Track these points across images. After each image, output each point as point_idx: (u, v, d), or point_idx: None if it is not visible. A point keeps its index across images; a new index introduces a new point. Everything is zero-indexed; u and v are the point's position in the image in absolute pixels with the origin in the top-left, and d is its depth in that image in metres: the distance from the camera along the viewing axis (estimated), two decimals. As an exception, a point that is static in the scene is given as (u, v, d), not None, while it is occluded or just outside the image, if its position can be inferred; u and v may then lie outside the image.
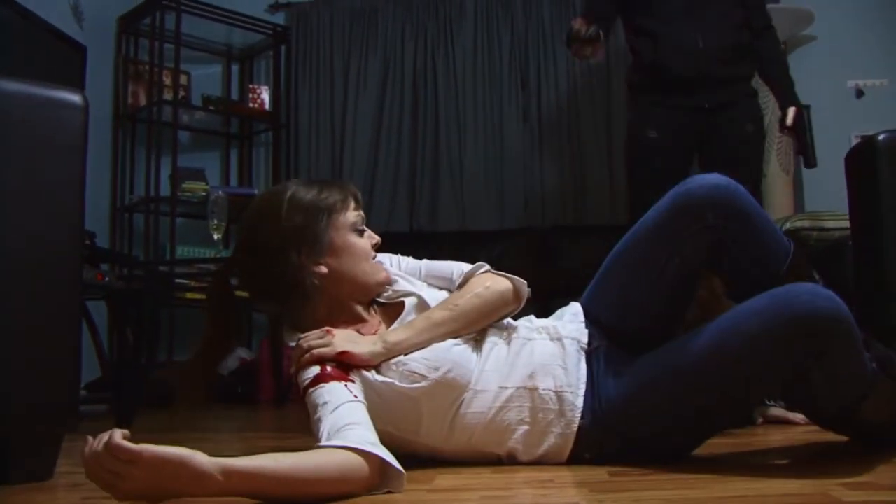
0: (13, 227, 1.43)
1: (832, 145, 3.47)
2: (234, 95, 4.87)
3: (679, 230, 1.48)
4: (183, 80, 4.53)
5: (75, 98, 1.53)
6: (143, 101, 4.48)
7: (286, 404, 3.71)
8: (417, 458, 1.48)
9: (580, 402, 1.49)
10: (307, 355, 1.44)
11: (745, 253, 1.49)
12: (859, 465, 1.36)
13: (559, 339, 1.56)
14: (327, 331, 1.48)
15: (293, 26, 4.82)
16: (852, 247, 2.18)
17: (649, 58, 2.92)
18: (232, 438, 2.36)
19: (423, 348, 1.49)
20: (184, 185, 4.27)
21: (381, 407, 1.41)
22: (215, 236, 3.27)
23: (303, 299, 1.52)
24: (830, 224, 3.20)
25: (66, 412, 1.51)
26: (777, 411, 2.23)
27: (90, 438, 1.01)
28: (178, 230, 4.15)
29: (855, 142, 2.86)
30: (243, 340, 4.48)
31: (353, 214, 1.56)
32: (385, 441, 1.26)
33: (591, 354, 1.55)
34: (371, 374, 1.45)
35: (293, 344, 1.50)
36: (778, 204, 3.77)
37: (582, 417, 1.48)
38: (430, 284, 1.67)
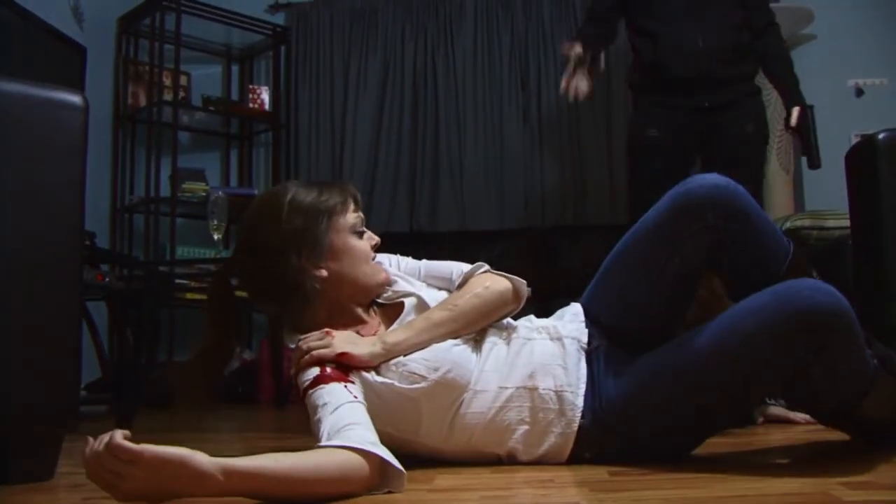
0: (13, 227, 1.43)
1: (832, 144, 3.46)
2: (234, 96, 4.88)
3: (679, 230, 1.49)
4: (183, 80, 4.53)
5: (75, 99, 1.53)
6: (143, 101, 4.48)
7: (286, 405, 3.71)
8: (417, 459, 1.48)
9: (580, 401, 1.49)
10: (307, 357, 1.44)
11: (745, 253, 1.49)
12: (860, 465, 1.35)
13: (559, 339, 1.56)
14: (327, 332, 1.48)
15: (293, 27, 4.82)
16: (852, 246, 2.19)
17: (649, 58, 2.92)
18: (232, 438, 2.36)
19: (422, 349, 1.49)
20: (184, 186, 4.27)
21: (380, 408, 1.41)
22: (215, 237, 3.27)
23: (303, 302, 1.52)
24: (830, 223, 3.20)
25: (66, 413, 1.51)
26: (778, 410, 2.23)
27: (91, 439, 1.01)
28: (178, 230, 4.15)
29: (855, 141, 2.86)
30: (243, 340, 4.48)
31: (352, 216, 1.56)
32: (385, 441, 1.26)
33: (591, 354, 1.55)
34: (370, 375, 1.45)
35: (293, 346, 1.50)
36: (778, 203, 3.77)
37: (582, 417, 1.48)
38: (429, 285, 1.67)
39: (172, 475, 1.00)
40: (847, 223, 2.28)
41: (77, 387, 1.56)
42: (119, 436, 0.99)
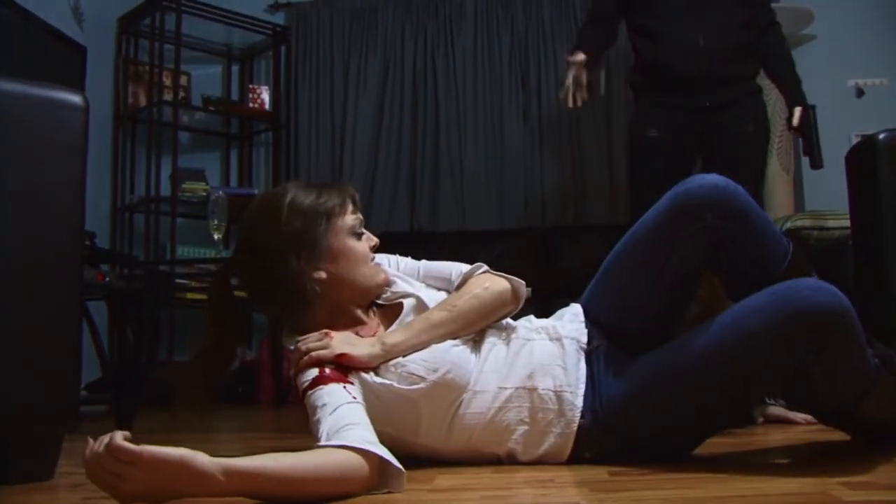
0: (13, 227, 1.43)
1: (832, 144, 3.46)
2: (234, 96, 4.88)
3: (677, 230, 1.49)
4: (183, 80, 4.53)
5: (76, 98, 1.53)
6: (143, 101, 4.48)
7: (286, 405, 3.71)
8: (417, 459, 1.48)
9: (580, 401, 1.49)
10: (306, 358, 1.44)
11: (744, 253, 1.49)
12: (859, 465, 1.35)
13: (558, 339, 1.56)
14: (325, 333, 1.48)
15: (293, 26, 4.82)
16: (852, 246, 2.19)
17: (650, 57, 2.92)
18: (232, 438, 2.36)
19: (421, 349, 1.49)
20: (184, 186, 4.27)
21: (379, 408, 1.41)
22: (215, 236, 3.27)
23: (302, 304, 1.52)
24: (831, 223, 3.20)
25: (66, 413, 1.51)
26: (778, 410, 2.23)
27: (91, 440, 1.01)
28: (179, 230, 4.15)
29: (855, 141, 2.86)
30: (243, 340, 4.48)
31: (351, 218, 1.56)
32: (384, 442, 1.26)
33: (590, 354, 1.55)
34: (369, 376, 1.46)
35: (292, 347, 1.51)
36: (778, 203, 3.77)
37: (582, 417, 1.48)
38: (428, 285, 1.67)
39: (173, 476, 1.00)
40: (847, 223, 2.28)
41: (77, 387, 1.56)
42: (119, 437, 0.99)
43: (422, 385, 1.45)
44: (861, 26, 4.31)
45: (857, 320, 1.29)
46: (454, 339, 1.52)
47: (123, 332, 3.44)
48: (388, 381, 1.45)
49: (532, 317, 1.66)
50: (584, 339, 1.56)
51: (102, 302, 3.36)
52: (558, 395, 1.49)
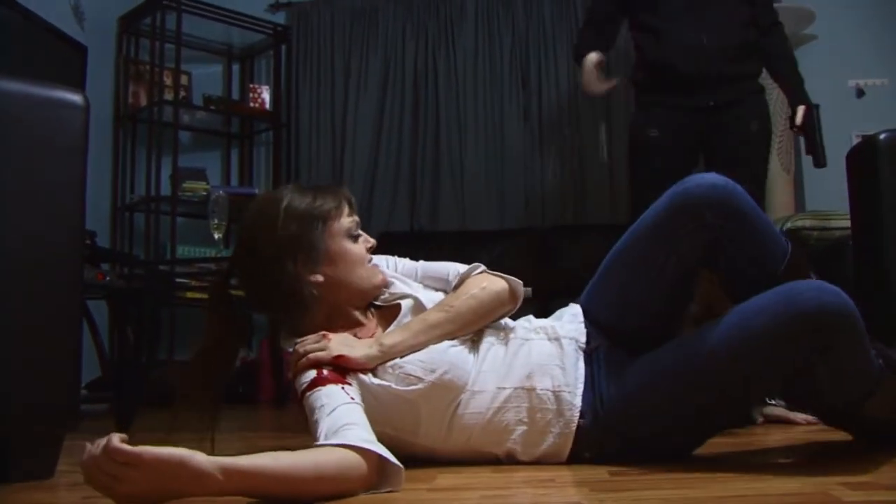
0: (13, 227, 1.43)
1: (833, 145, 3.45)
2: (235, 95, 4.88)
3: (676, 229, 1.48)
4: (183, 79, 4.53)
5: (76, 98, 1.53)
6: (143, 101, 4.48)
7: (286, 404, 3.71)
8: (416, 459, 1.48)
9: (578, 401, 1.49)
10: (304, 360, 1.45)
11: (743, 252, 1.49)
12: (860, 465, 1.35)
13: (557, 339, 1.56)
14: (323, 335, 1.49)
15: (294, 26, 4.82)
16: (853, 246, 2.19)
17: (652, 55, 2.91)
18: (232, 438, 2.35)
19: (419, 350, 1.49)
20: (184, 185, 4.27)
21: (377, 409, 1.41)
22: (216, 236, 3.27)
23: (300, 307, 1.52)
24: (831, 223, 3.20)
25: (66, 413, 1.51)
26: (778, 411, 2.23)
27: (88, 444, 1.01)
28: (179, 230, 4.16)
29: (856, 141, 2.86)
30: (244, 341, 4.48)
31: (347, 220, 1.56)
32: (383, 442, 1.26)
33: (590, 354, 1.55)
34: (367, 377, 1.46)
35: (290, 349, 1.51)
36: (779, 203, 3.77)
37: (582, 417, 1.48)
38: (426, 286, 1.67)
39: (172, 476, 1.00)
40: (848, 223, 2.28)
41: (77, 387, 1.56)
42: (116, 439, 0.99)
43: (420, 386, 1.45)
44: (862, 26, 4.31)
45: (861, 321, 1.29)
46: (452, 339, 1.52)
47: (124, 331, 3.44)
48: (385, 383, 1.45)
49: (531, 317, 1.66)
50: (583, 338, 1.56)
51: (103, 301, 3.36)
52: (557, 396, 1.49)
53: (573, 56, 3.27)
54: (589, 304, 1.63)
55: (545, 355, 1.54)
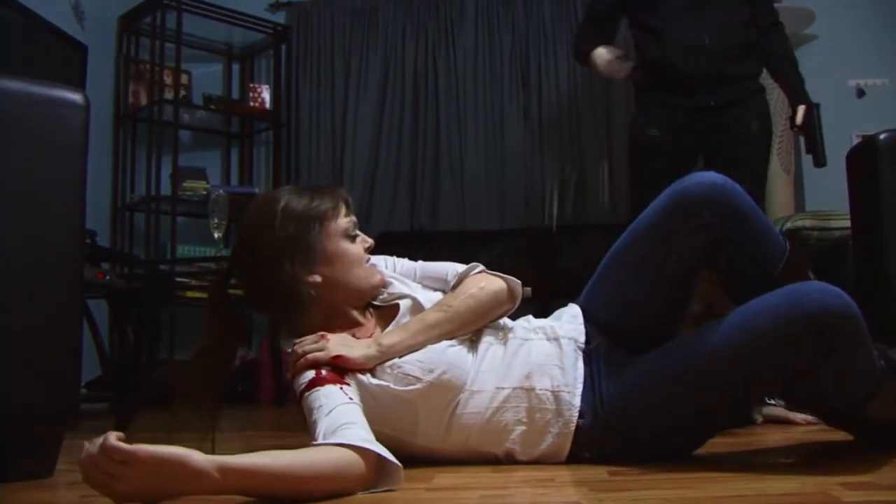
0: (13, 227, 1.43)
1: (833, 145, 3.46)
2: (235, 94, 4.88)
3: (675, 228, 1.48)
4: (184, 79, 4.53)
5: (76, 97, 1.53)
6: (143, 100, 4.48)
7: (286, 404, 3.71)
8: (415, 459, 1.48)
9: (577, 401, 1.49)
10: (302, 360, 1.45)
11: (742, 252, 1.49)
12: (859, 465, 1.36)
13: (556, 339, 1.56)
14: (322, 335, 1.49)
15: (294, 25, 4.82)
16: (853, 246, 2.19)
17: (652, 55, 2.91)
18: (232, 437, 2.35)
19: (417, 350, 1.49)
20: (184, 184, 4.27)
21: (376, 409, 1.41)
22: (216, 235, 3.27)
23: (299, 307, 1.53)
24: (831, 223, 3.20)
25: (66, 412, 1.51)
26: (778, 411, 2.23)
27: (86, 443, 1.01)
28: (179, 229, 4.16)
29: (856, 141, 2.86)
30: (243, 341, 4.48)
31: (344, 221, 1.57)
32: (382, 442, 1.26)
33: (589, 354, 1.55)
34: (366, 378, 1.46)
35: (289, 350, 1.51)
36: (779, 203, 3.77)
37: (581, 417, 1.48)
38: (425, 286, 1.68)
39: (170, 475, 1.00)
40: (848, 223, 2.28)
41: (77, 386, 1.56)
42: (113, 437, 0.99)
43: (418, 386, 1.45)
44: (862, 26, 4.30)
45: (863, 323, 1.29)
46: (450, 339, 1.52)
47: (124, 330, 3.44)
48: (384, 383, 1.45)
49: (531, 317, 1.66)
50: (582, 339, 1.56)
51: (103, 300, 3.36)
52: (556, 395, 1.49)
53: (573, 53, 3.27)
54: (588, 303, 1.63)
55: (544, 355, 1.54)
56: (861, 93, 4.33)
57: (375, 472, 1.23)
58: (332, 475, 1.17)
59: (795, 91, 2.87)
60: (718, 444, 1.64)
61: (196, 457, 1.02)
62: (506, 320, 1.64)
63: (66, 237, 1.50)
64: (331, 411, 1.31)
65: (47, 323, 1.46)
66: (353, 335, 1.55)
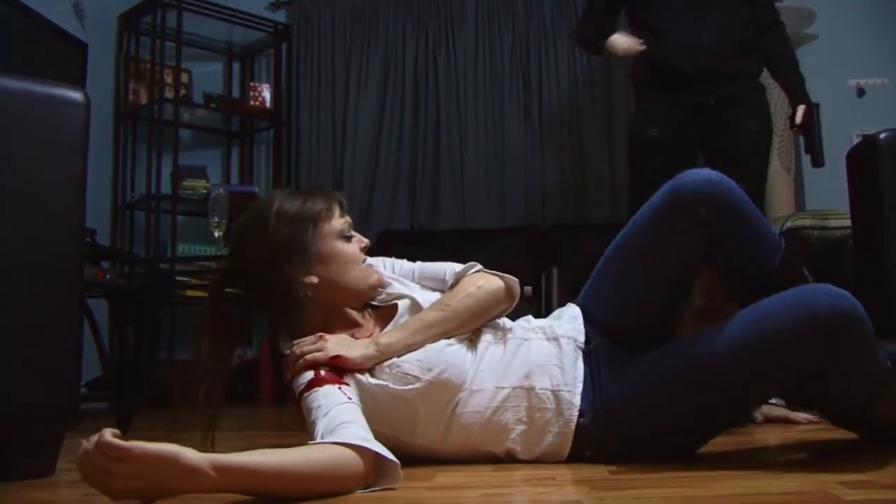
0: (13, 226, 1.43)
1: (833, 144, 3.46)
2: (236, 93, 4.87)
3: (671, 224, 1.48)
4: (184, 77, 4.53)
5: (76, 95, 1.53)
6: (144, 99, 4.47)
7: (286, 403, 3.71)
8: (416, 458, 1.48)
9: (577, 400, 1.49)
10: (301, 361, 1.45)
11: (739, 248, 1.48)
12: (859, 464, 1.36)
13: (555, 339, 1.56)
14: (320, 336, 1.49)
15: (294, 24, 4.82)
16: (853, 245, 2.19)
17: (651, 53, 2.91)
18: (232, 437, 2.36)
19: (416, 349, 1.49)
20: (185, 183, 4.27)
21: (375, 409, 1.41)
22: (216, 234, 3.27)
23: (297, 309, 1.53)
24: (832, 223, 3.20)
25: (66, 412, 1.51)
26: (778, 410, 2.23)
27: (84, 441, 1.01)
28: (179, 228, 4.16)
29: (856, 141, 2.85)
30: (243, 341, 4.48)
31: (338, 222, 1.57)
32: (381, 443, 1.26)
33: (589, 354, 1.55)
34: (365, 377, 1.46)
35: (288, 352, 1.51)
36: (779, 202, 3.76)
37: (581, 416, 1.48)
38: (423, 286, 1.68)
39: (165, 472, 1.00)
40: (848, 223, 2.28)
41: (77, 386, 1.56)
42: (108, 434, 0.99)
43: (417, 385, 1.46)
44: (862, 26, 4.30)
45: (870, 324, 1.29)
46: (449, 338, 1.52)
47: (124, 329, 3.44)
48: (383, 382, 1.46)
49: (530, 317, 1.66)
50: (582, 338, 1.56)
51: (103, 300, 3.36)
52: (556, 395, 1.49)
53: (585, 47, 3.24)
54: (587, 303, 1.63)
55: (544, 355, 1.54)
56: (861, 92, 4.32)
57: (374, 471, 1.23)
58: (329, 473, 1.17)
59: (795, 91, 2.87)
60: (719, 442, 1.64)
61: (190, 454, 1.02)
62: (505, 320, 1.64)
63: (66, 236, 1.50)
64: (329, 411, 1.31)
65: (47, 323, 1.46)
66: (352, 336, 1.55)
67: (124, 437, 1.00)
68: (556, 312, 1.67)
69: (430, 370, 1.46)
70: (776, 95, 3.36)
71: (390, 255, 1.79)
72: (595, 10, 3.10)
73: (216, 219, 3.22)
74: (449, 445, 1.52)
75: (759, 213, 1.52)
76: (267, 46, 4.86)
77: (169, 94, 4.36)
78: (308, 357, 1.45)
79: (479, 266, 1.64)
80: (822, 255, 3.05)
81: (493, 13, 4.67)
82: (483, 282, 1.59)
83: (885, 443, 1.53)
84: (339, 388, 1.39)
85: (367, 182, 4.60)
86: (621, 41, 2.91)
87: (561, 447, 1.50)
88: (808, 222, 3.26)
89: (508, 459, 1.52)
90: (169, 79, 4.40)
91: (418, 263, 1.75)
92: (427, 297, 1.60)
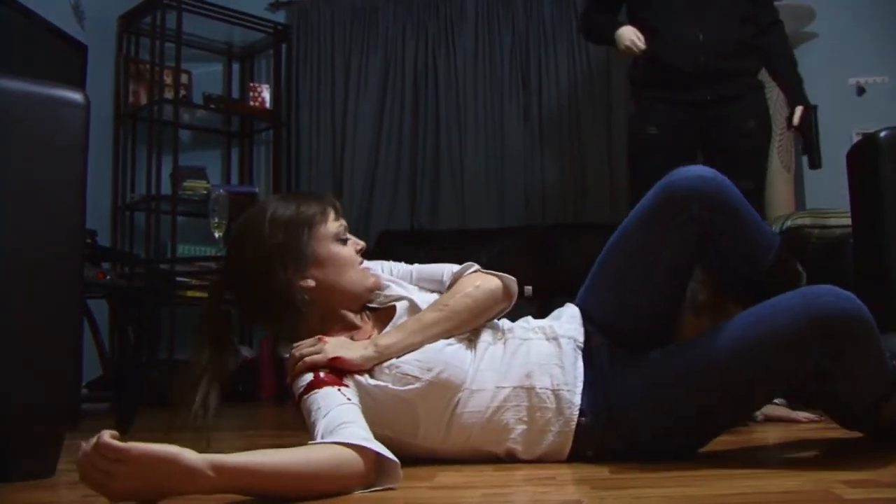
0: (13, 227, 1.43)
1: (833, 143, 3.46)
2: (235, 94, 4.88)
3: (664, 221, 1.48)
4: (184, 78, 4.53)
5: (76, 97, 1.53)
6: (143, 99, 4.47)
7: (286, 403, 3.71)
8: (416, 459, 1.48)
9: (578, 399, 1.49)
10: (300, 363, 1.45)
11: (733, 245, 1.48)
12: (861, 463, 1.36)
13: (555, 339, 1.56)
14: (319, 338, 1.49)
15: (294, 25, 4.82)
16: (853, 244, 2.18)
17: (651, 53, 2.91)
18: (232, 436, 2.36)
19: (415, 350, 1.49)
20: (185, 184, 4.28)
21: (375, 410, 1.41)
22: (216, 235, 3.27)
23: (295, 314, 1.53)
24: (832, 221, 3.19)
25: (67, 412, 1.51)
26: (779, 410, 2.23)
27: (83, 443, 1.01)
28: (179, 228, 4.16)
29: (856, 139, 2.85)
30: (244, 340, 4.49)
31: (333, 225, 1.57)
32: (383, 444, 1.26)
33: (589, 353, 1.55)
34: (364, 379, 1.46)
35: (287, 355, 1.51)
36: (779, 201, 3.76)
37: (581, 416, 1.48)
38: (421, 288, 1.68)
39: (164, 473, 1.00)
40: (848, 221, 2.27)
41: (78, 386, 1.56)
42: (107, 435, 0.99)
43: (416, 385, 1.46)
44: (862, 24, 4.30)
45: (875, 325, 1.28)
46: (447, 338, 1.53)
47: (124, 330, 3.44)
48: (382, 383, 1.46)
49: (530, 318, 1.66)
50: (581, 338, 1.56)
51: (103, 300, 3.36)
52: (556, 394, 1.49)
53: (593, 37, 3.22)
54: (584, 303, 1.63)
55: (544, 355, 1.54)
56: (861, 91, 4.32)
57: (374, 470, 1.23)
58: (329, 473, 1.17)
59: (793, 91, 2.88)
60: (720, 442, 1.63)
61: (189, 455, 1.02)
62: (504, 321, 1.64)
63: (66, 237, 1.50)
64: (329, 412, 1.31)
65: (47, 323, 1.46)
66: (351, 338, 1.55)
67: (125, 437, 1.00)
68: (556, 313, 1.67)
69: (429, 370, 1.46)
70: (776, 94, 3.36)
71: (390, 256, 1.80)
72: (595, 10, 3.11)
73: (216, 219, 3.22)
74: (449, 446, 1.52)
75: (754, 211, 1.52)
76: (267, 47, 4.86)
77: (169, 94, 4.36)
78: (307, 359, 1.45)
79: (476, 266, 1.64)
80: (822, 253, 3.05)
81: (493, 13, 4.68)
82: (481, 281, 1.59)
83: (887, 442, 1.53)
84: (339, 389, 1.39)
85: (366, 182, 4.60)
86: (625, 37, 2.90)
87: (561, 447, 1.49)
88: (808, 221, 3.26)
89: (509, 459, 1.52)
90: (169, 79, 4.40)
91: (416, 265, 1.75)
92: (425, 299, 1.60)
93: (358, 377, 1.46)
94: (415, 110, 4.69)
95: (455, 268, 1.67)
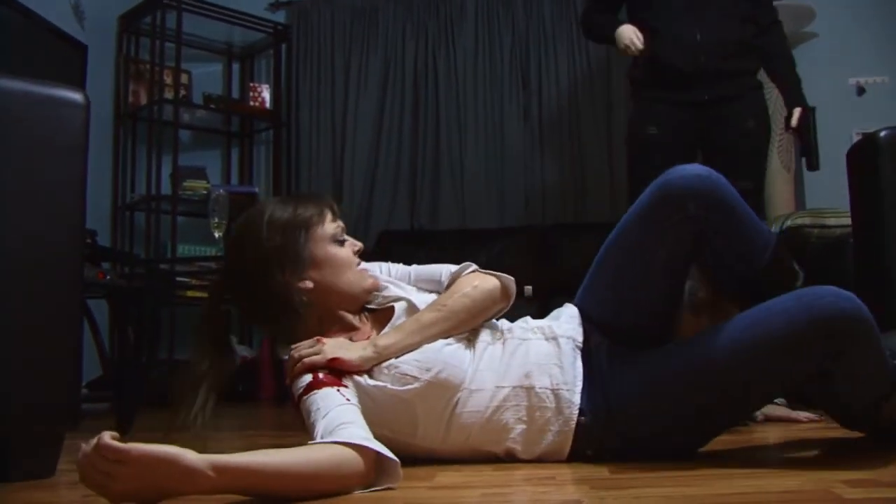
0: (13, 227, 1.43)
1: (833, 142, 3.46)
2: (235, 94, 4.88)
3: (660, 220, 1.48)
4: (184, 78, 4.53)
5: (76, 96, 1.53)
6: (143, 99, 4.47)
7: (286, 403, 3.71)
8: (416, 459, 1.48)
9: (577, 398, 1.49)
10: (299, 364, 1.45)
11: (728, 243, 1.49)
12: (861, 462, 1.36)
13: (554, 339, 1.56)
14: (318, 339, 1.49)
15: (294, 25, 4.82)
16: (853, 244, 2.18)
17: (650, 53, 2.91)
18: (232, 436, 2.36)
19: (413, 350, 1.49)
20: (185, 184, 4.28)
21: (374, 411, 1.42)
22: (216, 235, 3.27)
23: (293, 315, 1.53)
24: (831, 221, 3.19)
25: (67, 412, 1.51)
26: (779, 409, 2.23)
27: (83, 444, 1.01)
28: (179, 228, 4.16)
29: (856, 139, 2.85)
30: (244, 340, 4.49)
31: (331, 226, 1.58)
32: (382, 444, 1.26)
33: (588, 352, 1.55)
34: (363, 379, 1.46)
35: (286, 357, 1.51)
36: (778, 201, 3.76)
37: (581, 415, 1.48)
38: (420, 289, 1.69)
39: (164, 473, 1.00)
40: (848, 221, 2.28)
41: (78, 386, 1.56)
42: (107, 436, 0.99)
43: (415, 385, 1.46)
44: (862, 24, 4.30)
45: (875, 326, 1.28)
46: (446, 338, 1.53)
47: (124, 330, 3.43)
48: (381, 383, 1.46)
49: (529, 318, 1.66)
50: (580, 338, 1.56)
51: (103, 300, 3.36)
52: (556, 394, 1.49)
53: (593, 36, 3.21)
54: (583, 303, 1.64)
55: (543, 354, 1.54)
56: (861, 90, 4.32)
57: (374, 470, 1.23)
58: (329, 473, 1.17)
59: (792, 92, 2.88)
60: (720, 441, 1.63)
61: (189, 455, 1.02)
62: (504, 321, 1.64)
63: (66, 237, 1.50)
64: (328, 412, 1.31)
65: (47, 323, 1.46)
66: (350, 339, 1.56)
67: (125, 437, 1.00)
68: (554, 313, 1.67)
69: (428, 370, 1.46)
70: (775, 94, 3.36)
71: (390, 256, 1.80)
72: (595, 10, 3.11)
73: (216, 219, 3.22)
74: (449, 445, 1.52)
75: (750, 210, 1.52)
76: (267, 47, 4.86)
77: (169, 94, 4.36)
78: (306, 360, 1.45)
79: (474, 266, 1.65)
80: (821, 253, 3.05)
81: (493, 13, 4.67)
82: (479, 282, 1.59)
83: (887, 442, 1.53)
84: (338, 390, 1.39)
85: (366, 182, 4.60)
86: (624, 36, 2.89)
87: (561, 446, 1.50)
88: (807, 221, 3.26)
89: (508, 459, 1.52)
90: (169, 79, 4.40)
91: (413, 266, 1.75)
92: (423, 299, 1.60)
93: (357, 378, 1.46)
94: (415, 110, 4.69)
95: (453, 268, 1.67)
